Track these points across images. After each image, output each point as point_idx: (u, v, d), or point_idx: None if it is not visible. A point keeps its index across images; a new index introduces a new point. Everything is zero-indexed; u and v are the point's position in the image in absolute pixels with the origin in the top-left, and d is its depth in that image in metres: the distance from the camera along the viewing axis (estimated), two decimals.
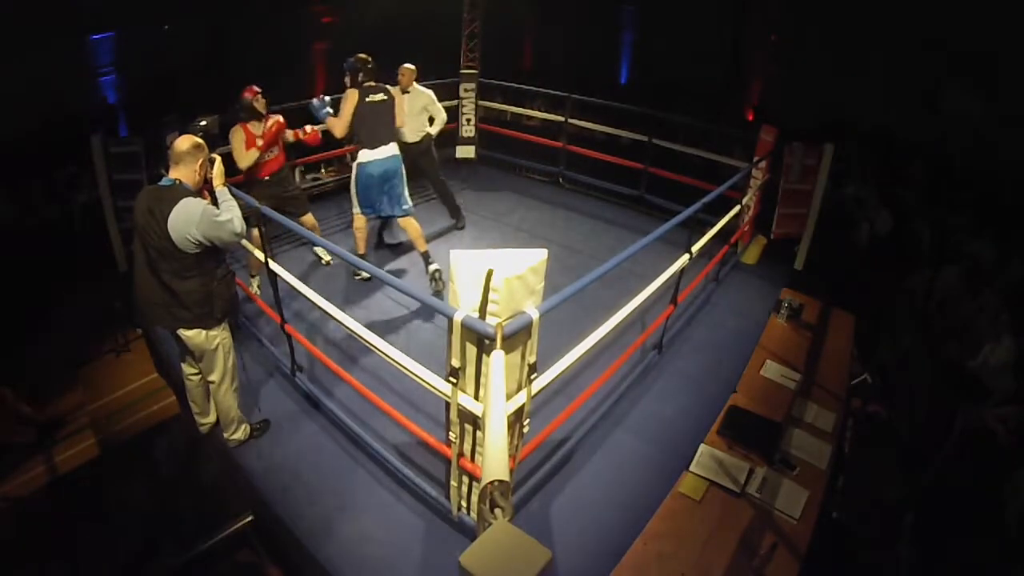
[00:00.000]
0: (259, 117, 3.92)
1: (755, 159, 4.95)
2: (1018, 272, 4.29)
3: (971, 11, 6.12)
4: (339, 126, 4.01)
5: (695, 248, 3.55)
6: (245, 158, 3.87)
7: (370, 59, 4.00)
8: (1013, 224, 4.71)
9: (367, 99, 3.97)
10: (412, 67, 4.80)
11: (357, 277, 4.48)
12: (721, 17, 8.87)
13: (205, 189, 2.57)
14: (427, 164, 5.04)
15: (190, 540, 2.58)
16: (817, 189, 4.87)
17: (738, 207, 4.58)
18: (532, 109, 7.62)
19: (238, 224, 2.44)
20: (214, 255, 2.51)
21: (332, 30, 9.33)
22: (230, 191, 2.65)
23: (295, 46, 8.75)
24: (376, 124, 4.04)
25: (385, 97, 4.06)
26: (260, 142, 3.90)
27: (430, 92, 4.92)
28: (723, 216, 4.28)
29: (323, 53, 9.42)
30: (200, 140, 2.48)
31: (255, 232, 3.76)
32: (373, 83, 4.01)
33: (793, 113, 6.94)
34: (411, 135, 4.79)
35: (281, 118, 4.07)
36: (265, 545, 2.68)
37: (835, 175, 5.17)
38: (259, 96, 3.90)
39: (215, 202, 2.53)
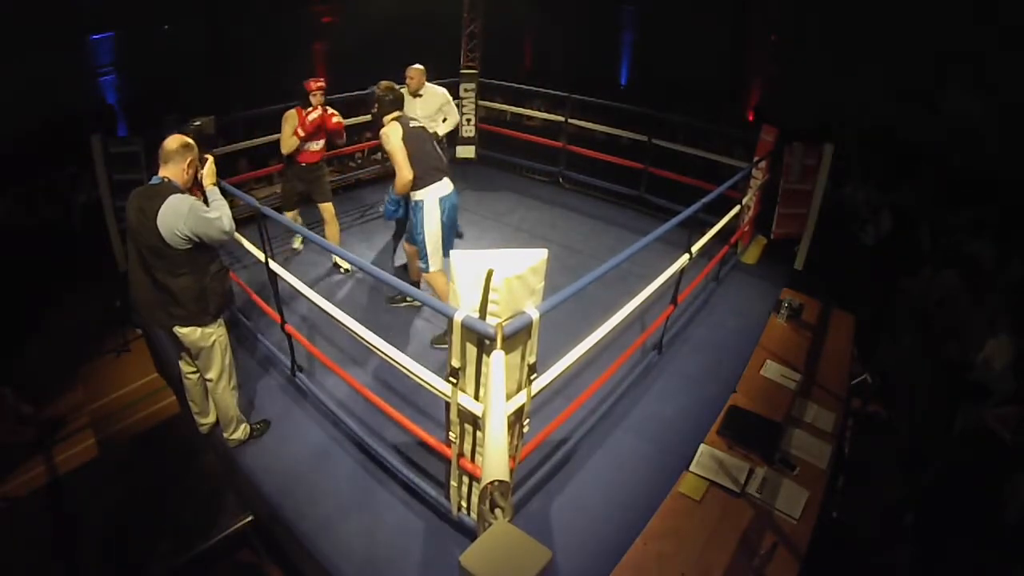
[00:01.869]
0: (310, 108, 4.16)
1: (755, 159, 4.95)
2: (1018, 272, 4.29)
3: (970, 10, 6.13)
4: (405, 166, 3.35)
5: (695, 248, 3.54)
6: (287, 144, 4.16)
7: (395, 86, 3.53)
8: (1013, 224, 4.71)
9: (411, 127, 3.44)
10: (420, 67, 4.55)
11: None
12: (721, 17, 8.87)
13: (197, 189, 2.61)
14: None
15: (190, 540, 2.58)
16: (817, 189, 4.87)
17: (738, 207, 4.58)
18: (532, 109, 7.62)
19: (226, 222, 2.47)
20: (206, 251, 2.52)
21: (332, 30, 9.33)
22: (223, 190, 2.70)
23: (295, 46, 8.75)
24: (431, 150, 3.50)
25: (419, 124, 3.58)
26: (301, 132, 4.12)
27: (444, 91, 4.70)
28: (723, 216, 4.28)
29: (323, 53, 9.42)
30: (189, 140, 2.51)
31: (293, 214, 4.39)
32: (400, 112, 3.52)
33: (793, 113, 6.94)
34: None
35: (330, 112, 4.23)
36: (265, 545, 2.68)
37: (835, 175, 5.17)
38: (318, 93, 4.11)
39: (207, 201, 2.58)
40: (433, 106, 4.64)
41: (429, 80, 4.73)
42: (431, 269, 3.57)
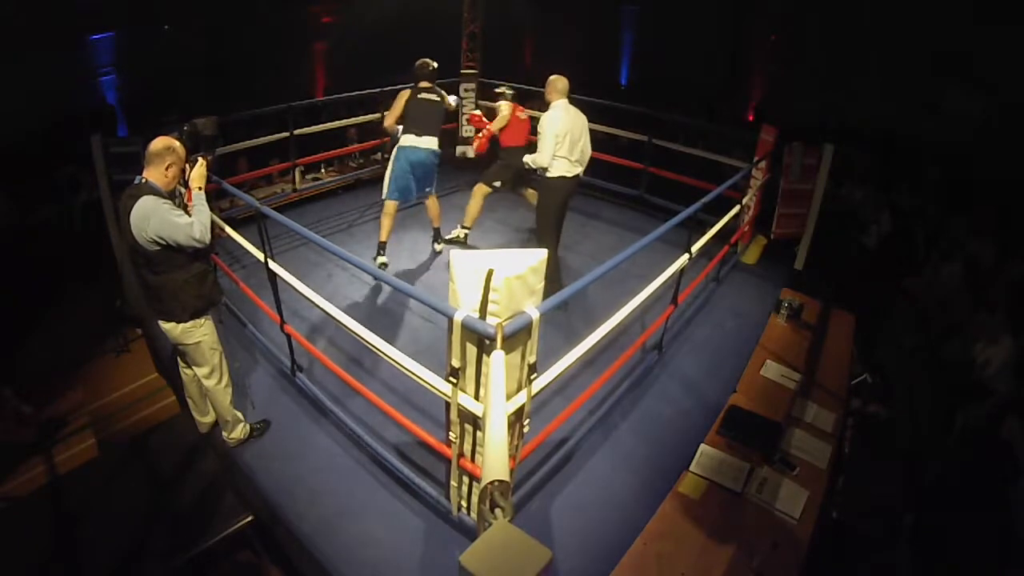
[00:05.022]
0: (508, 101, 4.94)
1: (755, 159, 4.95)
2: (1018, 272, 4.29)
3: (970, 10, 6.13)
4: (389, 117, 4.48)
5: (695, 248, 3.55)
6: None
7: (429, 64, 4.42)
8: (1013, 224, 4.71)
9: (418, 96, 4.38)
10: (555, 78, 4.13)
11: (376, 260, 4.56)
12: (721, 17, 8.87)
13: (189, 191, 2.60)
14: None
15: (190, 540, 2.58)
16: (817, 189, 4.87)
17: (738, 207, 4.57)
18: (532, 109, 7.60)
19: (197, 228, 2.42)
20: (183, 252, 2.49)
21: (332, 30, 9.33)
22: (222, 190, 2.70)
23: (295, 46, 8.74)
24: (423, 117, 4.38)
25: (437, 98, 4.43)
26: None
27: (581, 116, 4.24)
28: (723, 216, 4.28)
29: (323, 53, 9.42)
30: (173, 142, 2.49)
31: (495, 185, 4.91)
32: (428, 85, 4.42)
33: (793, 113, 6.94)
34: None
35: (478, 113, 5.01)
36: (265, 545, 2.68)
37: (835, 175, 5.17)
38: (505, 94, 4.98)
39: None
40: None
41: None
42: (382, 196, 4.48)
